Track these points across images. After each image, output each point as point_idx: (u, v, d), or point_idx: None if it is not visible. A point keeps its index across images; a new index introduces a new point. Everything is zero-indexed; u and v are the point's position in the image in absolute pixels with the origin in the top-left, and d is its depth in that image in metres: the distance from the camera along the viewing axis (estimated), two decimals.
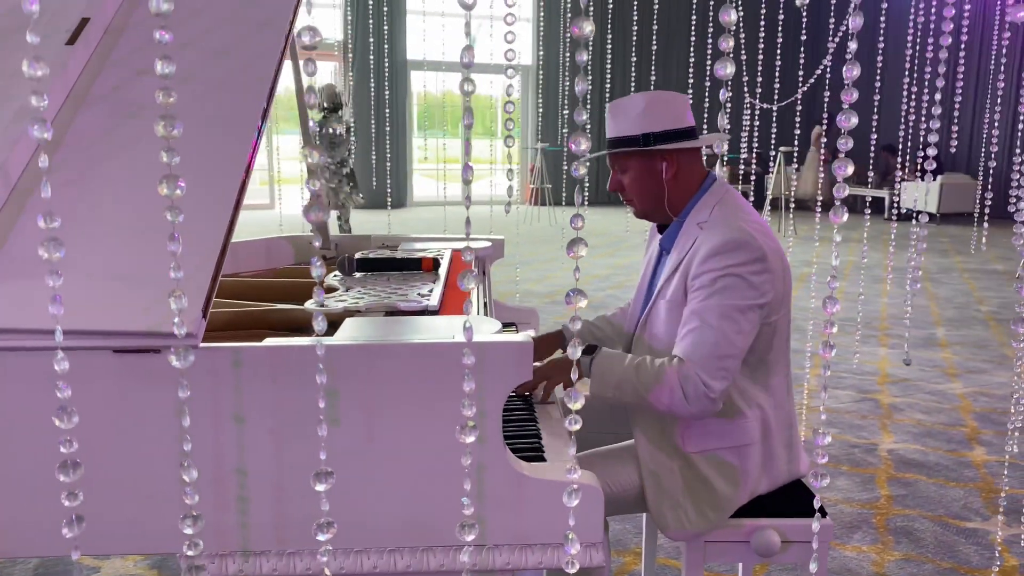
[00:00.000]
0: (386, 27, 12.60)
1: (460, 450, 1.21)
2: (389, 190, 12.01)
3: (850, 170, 0.75)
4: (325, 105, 6.72)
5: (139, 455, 1.19)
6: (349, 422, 1.20)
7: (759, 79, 3.43)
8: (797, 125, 4.05)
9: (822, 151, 11.48)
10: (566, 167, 13.03)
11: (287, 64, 1.79)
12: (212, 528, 1.22)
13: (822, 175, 7.91)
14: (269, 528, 1.23)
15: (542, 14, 12.95)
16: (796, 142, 4.21)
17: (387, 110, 12.24)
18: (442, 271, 1.85)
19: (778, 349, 1.72)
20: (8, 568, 2.38)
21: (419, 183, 14.58)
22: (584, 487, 1.25)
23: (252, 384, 1.19)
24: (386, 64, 12.54)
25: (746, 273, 1.57)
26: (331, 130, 6.69)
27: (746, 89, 3.84)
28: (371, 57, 12.53)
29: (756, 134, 3.45)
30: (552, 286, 6.76)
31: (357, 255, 1.91)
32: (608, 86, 5.76)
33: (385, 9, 12.61)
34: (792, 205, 4.29)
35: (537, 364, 1.73)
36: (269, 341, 1.21)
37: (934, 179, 12.21)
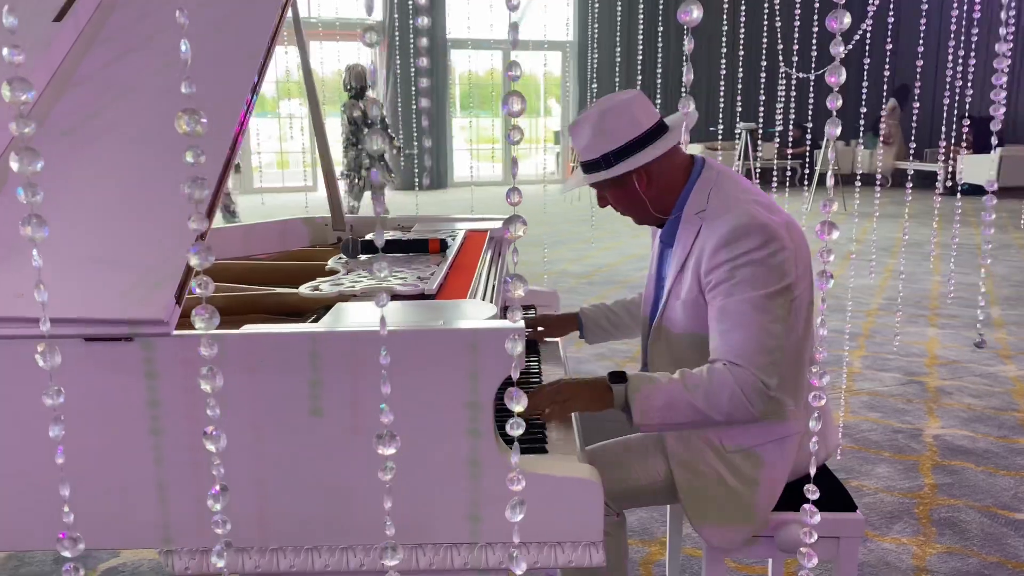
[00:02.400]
0: (425, 4, 12.50)
1: (448, 442, 1.14)
2: (416, 170, 11.98)
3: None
4: (352, 85, 6.68)
5: (114, 447, 1.14)
6: (332, 413, 1.14)
7: (795, 46, 3.26)
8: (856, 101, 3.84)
9: (882, 127, 11.13)
10: None
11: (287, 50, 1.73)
12: (194, 521, 1.17)
13: (882, 151, 7.64)
14: (252, 522, 1.17)
15: None
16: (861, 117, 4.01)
17: (434, 90, 12.19)
18: (451, 253, 1.78)
19: (803, 327, 1.60)
20: (30, 554, 2.40)
21: (461, 163, 14.52)
22: (582, 482, 1.17)
23: (229, 373, 1.13)
24: (425, 43, 12.47)
25: (762, 258, 1.46)
26: (360, 111, 6.65)
27: (781, 58, 3.67)
28: (410, 37, 12.47)
29: (793, 106, 3.28)
30: (588, 266, 6.65)
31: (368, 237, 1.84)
32: (640, 58, 5.59)
33: None
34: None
35: (565, 381, 1.49)
36: (246, 328, 1.16)
37: (993, 151, 11.76)
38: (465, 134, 15.59)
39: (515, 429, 0.66)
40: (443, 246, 1.79)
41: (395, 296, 1.40)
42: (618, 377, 1.45)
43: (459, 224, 2.26)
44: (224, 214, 6.90)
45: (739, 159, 8.10)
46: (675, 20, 12.54)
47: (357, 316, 1.23)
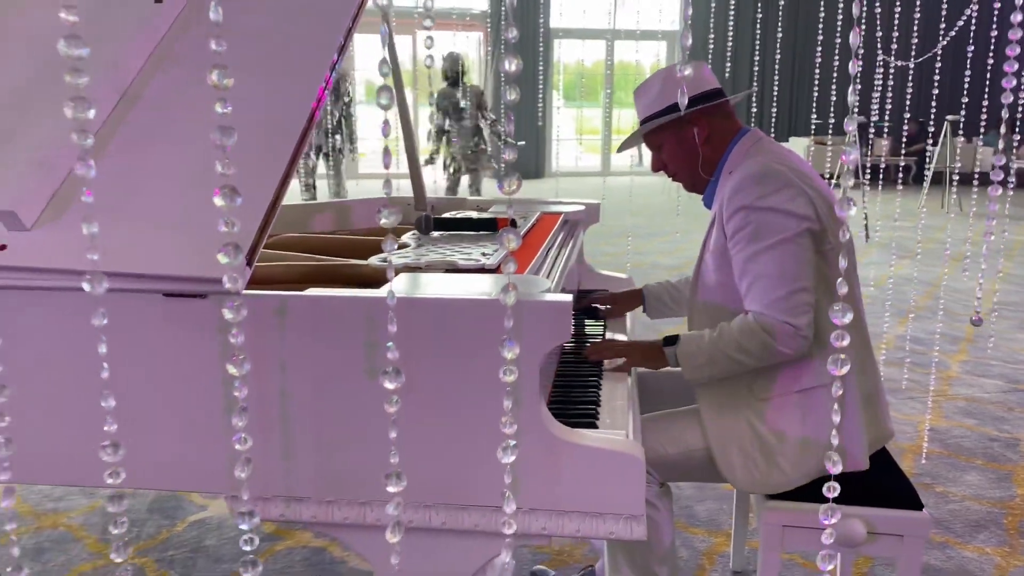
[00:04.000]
0: None
1: (491, 408, 1.18)
2: (504, 157, 12.00)
3: None
4: (448, 75, 6.79)
5: (188, 396, 1.24)
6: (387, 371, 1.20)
7: (894, 33, 3.12)
8: (966, 93, 3.66)
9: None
10: None
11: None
12: (257, 472, 1.25)
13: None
14: (310, 475, 1.25)
15: None
16: (963, 110, 3.82)
17: (540, 80, 12.25)
18: (519, 232, 1.81)
19: (839, 286, 1.58)
20: (127, 501, 2.58)
21: (561, 153, 14.50)
22: (624, 456, 1.19)
23: (294, 332, 1.21)
24: (539, 31, 12.52)
25: (776, 203, 1.52)
26: (457, 100, 6.76)
27: (879, 46, 3.52)
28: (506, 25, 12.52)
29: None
30: (681, 258, 6.56)
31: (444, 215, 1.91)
32: (730, 43, 5.45)
33: None
34: (955, 179, 3.91)
35: (622, 341, 1.83)
36: (311, 291, 1.23)
37: None
38: (566, 124, 15.58)
39: (508, 375, 0.69)
40: (512, 225, 1.83)
41: (457, 269, 1.45)
42: (672, 340, 1.62)
43: (538, 207, 2.30)
44: (303, 191, 7.15)
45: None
46: (773, 6, 12.15)
47: (414, 285, 1.28)
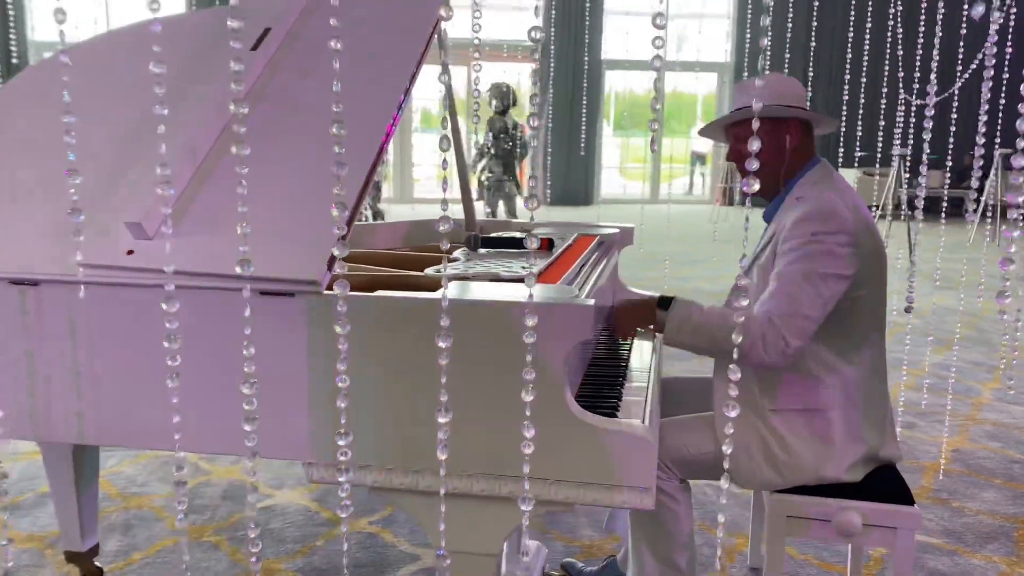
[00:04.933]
0: (587, 21, 12.88)
1: (517, 391, 1.42)
2: (549, 184, 12.24)
3: None
4: (494, 104, 7.10)
5: (279, 377, 1.49)
6: (433, 364, 1.44)
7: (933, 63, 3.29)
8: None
9: None
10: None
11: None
12: (330, 443, 1.50)
13: None
14: (373, 446, 1.49)
15: (748, 9, 12.69)
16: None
17: (584, 108, 12.54)
18: (557, 251, 2.05)
19: (866, 326, 1.80)
20: (202, 488, 2.87)
21: (609, 181, 14.73)
22: (637, 438, 1.41)
23: (362, 327, 1.46)
24: (585, 62, 12.84)
25: (831, 243, 1.68)
26: (501, 126, 7.07)
27: (899, 85, 3.68)
28: (557, 57, 12.86)
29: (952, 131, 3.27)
30: (724, 286, 6.71)
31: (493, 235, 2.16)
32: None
33: (588, 5, 12.90)
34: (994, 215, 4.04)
35: (618, 308, 1.94)
36: (378, 293, 1.48)
37: None
38: (616, 152, 15.81)
39: (528, 359, 0.92)
40: (551, 244, 2.07)
41: (499, 279, 1.69)
42: (666, 302, 1.79)
43: (576, 229, 2.54)
44: (371, 213, 7.54)
45: (892, 186, 7.89)
46: (825, 40, 12.24)
47: (463, 291, 1.53)
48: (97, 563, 2.27)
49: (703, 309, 1.76)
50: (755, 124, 0.85)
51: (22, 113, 1.97)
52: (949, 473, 3.04)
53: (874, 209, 8.80)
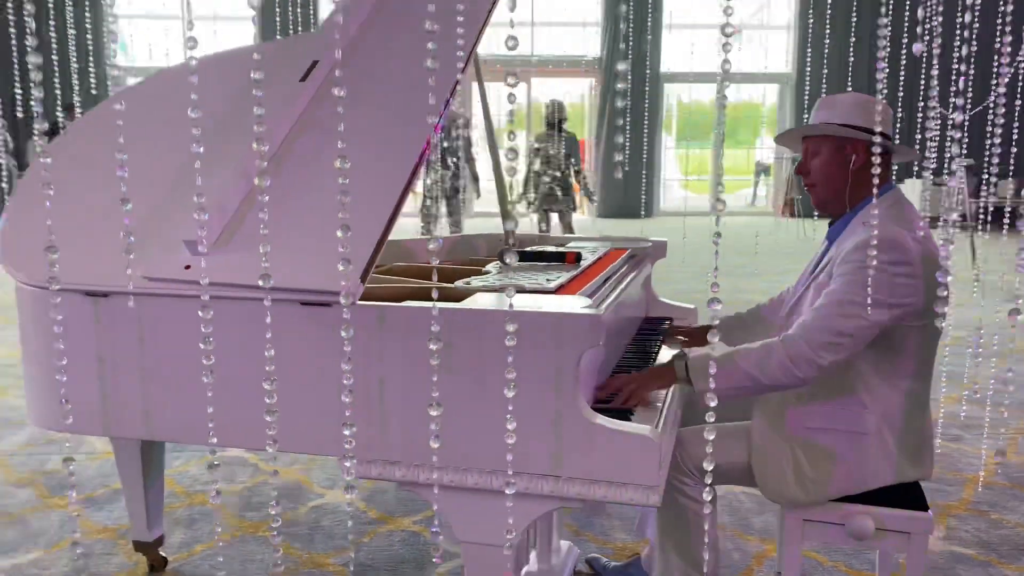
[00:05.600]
0: (648, 37, 12.95)
1: (533, 394, 1.53)
2: (595, 197, 12.28)
3: None
4: (549, 120, 7.23)
5: (318, 379, 1.65)
6: (458, 367, 1.57)
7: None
8: None
9: None
10: None
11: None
12: (360, 439, 1.64)
13: None
14: (401, 444, 1.62)
15: (808, 19, 12.58)
16: None
17: (645, 123, 12.59)
18: (584, 264, 2.16)
19: (916, 356, 1.80)
20: (261, 487, 3.06)
21: (672, 193, 14.71)
22: (640, 438, 1.51)
23: (390, 334, 1.60)
24: (646, 76, 12.90)
25: (890, 271, 1.68)
26: (550, 146, 7.20)
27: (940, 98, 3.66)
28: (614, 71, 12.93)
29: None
30: None
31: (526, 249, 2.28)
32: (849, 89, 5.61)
33: (649, 22, 12.98)
34: None
35: (636, 373, 1.83)
36: (405, 303, 1.62)
37: None
38: (677, 164, 15.79)
39: (509, 358, 1.04)
40: (577, 258, 2.18)
41: (522, 291, 1.81)
42: (681, 356, 1.79)
43: (609, 243, 2.64)
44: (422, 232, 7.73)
45: (958, 196, 7.73)
46: (890, 50, 12.00)
47: (482, 302, 1.65)
48: (162, 553, 2.46)
49: (716, 352, 1.69)
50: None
51: (99, 140, 2.18)
52: (992, 486, 3.02)
53: (940, 222, 8.62)
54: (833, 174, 1.86)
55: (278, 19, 11.79)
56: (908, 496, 1.87)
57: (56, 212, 2.00)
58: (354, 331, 1.62)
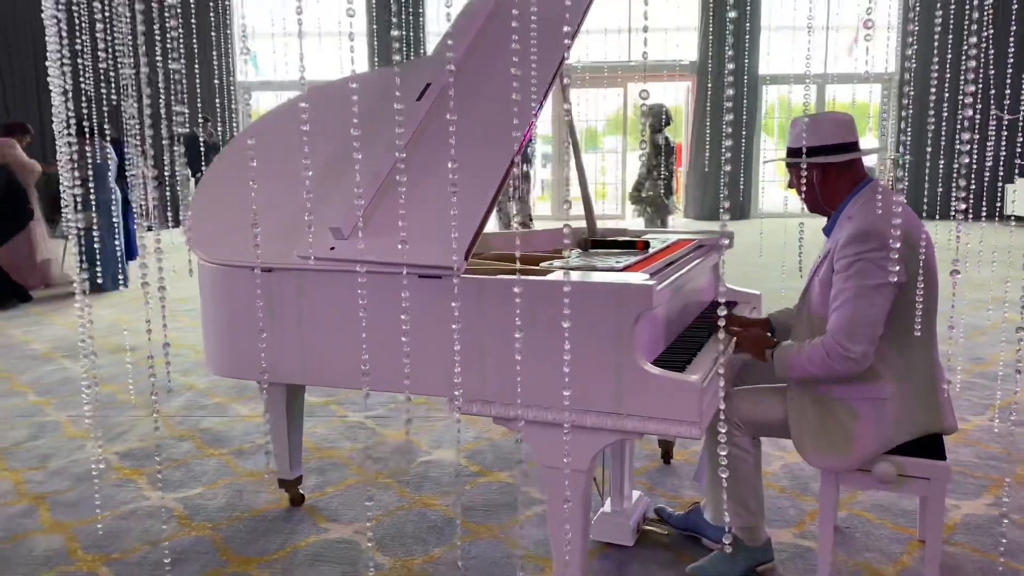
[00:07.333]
0: (747, 40, 13.06)
1: (598, 347, 1.93)
2: (677, 198, 12.32)
3: None
4: (647, 123, 7.56)
5: (435, 337, 2.10)
6: (540, 325, 1.98)
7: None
8: None
9: None
10: (928, 177, 12.30)
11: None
12: (465, 383, 2.08)
13: None
14: (496, 387, 2.05)
15: (915, 20, 12.41)
16: None
17: (743, 126, 12.71)
18: (651, 250, 2.55)
19: (912, 319, 2.12)
20: (379, 446, 3.55)
21: (772, 195, 14.68)
22: (684, 383, 1.89)
23: (490, 302, 2.03)
24: (745, 79, 13.01)
25: (875, 258, 2.05)
26: (659, 144, 7.51)
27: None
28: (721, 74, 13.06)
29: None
30: None
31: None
32: (947, 93, 5.70)
33: (747, 25, 13.09)
34: None
35: (755, 334, 2.34)
36: (499, 276, 2.05)
37: None
38: (776, 167, 15.67)
39: (565, 323, 1.45)
40: (646, 245, 2.57)
41: (595, 269, 2.21)
42: (772, 346, 2.23)
43: (676, 235, 3.01)
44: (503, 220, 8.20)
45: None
46: (1001, 43, 11.69)
47: (559, 276, 2.06)
48: (301, 491, 2.98)
49: (794, 347, 2.18)
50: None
51: (264, 149, 2.71)
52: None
53: None
54: (807, 190, 2.25)
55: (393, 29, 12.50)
56: (929, 448, 2.17)
57: (234, 206, 2.54)
58: (460, 299, 2.06)
